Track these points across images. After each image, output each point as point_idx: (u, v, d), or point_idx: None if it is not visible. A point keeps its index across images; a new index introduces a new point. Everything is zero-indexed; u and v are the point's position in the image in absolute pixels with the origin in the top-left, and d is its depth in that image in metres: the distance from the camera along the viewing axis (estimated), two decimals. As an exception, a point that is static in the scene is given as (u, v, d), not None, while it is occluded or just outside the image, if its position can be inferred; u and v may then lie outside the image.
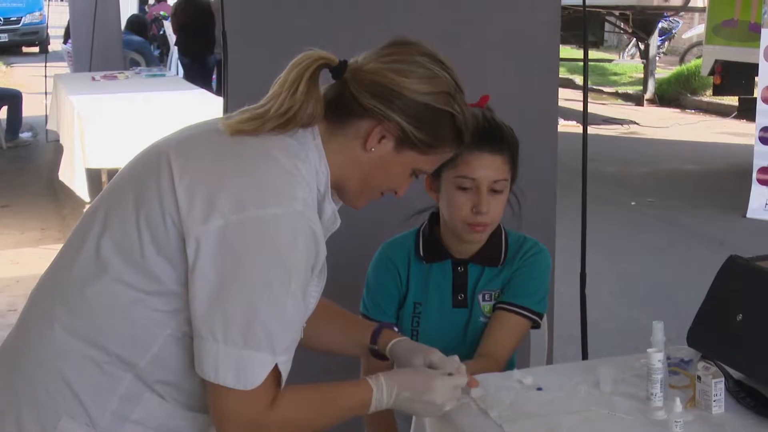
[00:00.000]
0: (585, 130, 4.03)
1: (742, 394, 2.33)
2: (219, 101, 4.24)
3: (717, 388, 2.28)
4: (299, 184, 2.01)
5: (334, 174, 2.13)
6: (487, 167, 2.63)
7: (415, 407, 2.22)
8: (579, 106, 4.20)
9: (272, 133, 2.05)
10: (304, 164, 2.05)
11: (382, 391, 2.16)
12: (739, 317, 2.39)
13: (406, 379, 2.21)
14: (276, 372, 1.98)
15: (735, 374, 2.38)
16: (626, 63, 19.98)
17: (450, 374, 2.26)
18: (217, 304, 1.93)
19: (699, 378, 2.31)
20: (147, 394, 2.04)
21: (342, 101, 2.12)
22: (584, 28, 4.21)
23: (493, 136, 2.64)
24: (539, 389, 2.43)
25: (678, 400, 2.20)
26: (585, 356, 3.98)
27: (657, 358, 2.30)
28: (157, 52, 16.53)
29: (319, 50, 2.11)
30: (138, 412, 2.05)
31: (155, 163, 2.05)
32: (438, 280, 2.81)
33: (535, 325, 2.80)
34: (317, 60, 2.09)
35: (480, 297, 2.79)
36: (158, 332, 2.01)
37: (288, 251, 1.96)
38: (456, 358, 2.33)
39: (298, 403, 2.07)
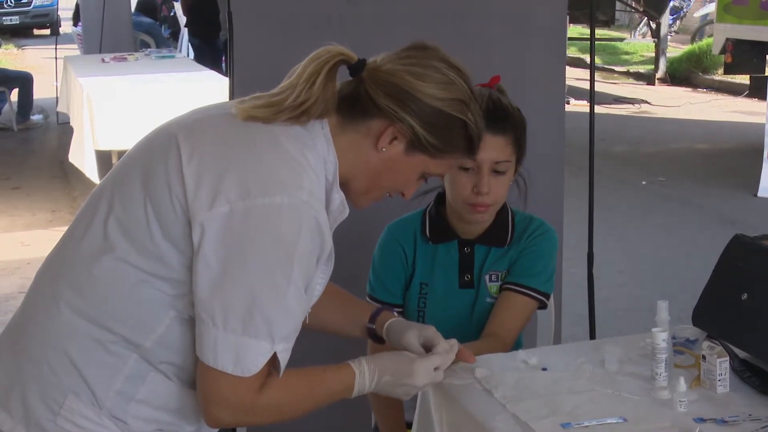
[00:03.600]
0: (592, 109, 4.03)
1: (747, 373, 2.33)
2: (228, 82, 4.24)
3: (722, 367, 2.28)
4: (306, 174, 2.01)
5: (342, 170, 2.12)
6: (489, 148, 2.62)
7: (397, 391, 2.23)
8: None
9: (284, 123, 2.06)
10: (312, 153, 2.05)
11: (365, 375, 2.18)
12: (744, 296, 2.39)
13: (388, 364, 2.22)
14: (273, 359, 1.99)
15: (740, 353, 2.38)
16: (637, 42, 19.93)
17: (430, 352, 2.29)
18: (219, 291, 1.94)
19: (704, 357, 2.31)
20: (152, 374, 2.05)
21: (357, 99, 2.12)
22: (591, 7, 4.20)
23: (496, 117, 2.62)
24: (544, 369, 2.43)
25: (682, 379, 2.20)
26: (593, 336, 3.99)
27: (662, 337, 2.30)
28: (167, 33, 16.52)
29: (339, 46, 2.11)
30: (143, 392, 2.05)
31: (164, 145, 2.05)
32: (444, 260, 2.81)
33: (542, 306, 2.80)
34: (337, 56, 2.09)
35: (486, 278, 2.79)
36: (164, 313, 2.02)
37: (291, 241, 1.96)
38: (454, 341, 2.33)
39: (286, 387, 2.07)
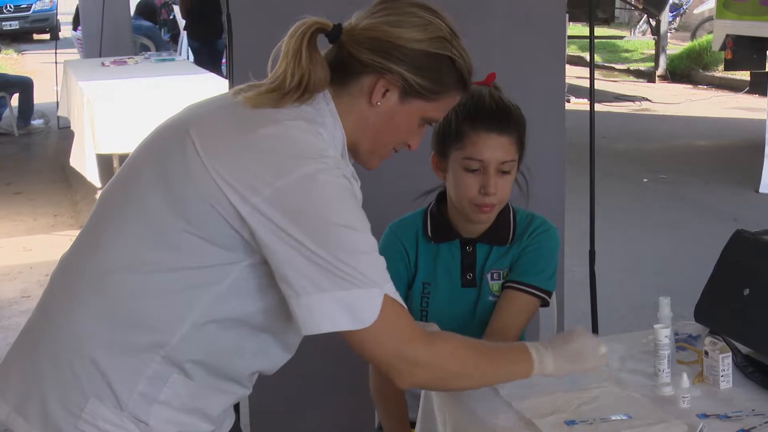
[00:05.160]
0: (592, 107, 4.03)
1: (750, 368, 2.34)
2: (228, 84, 4.24)
3: (724, 363, 2.28)
4: (325, 147, 2.03)
5: (347, 136, 2.15)
6: (495, 148, 2.63)
7: (581, 349, 2.27)
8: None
9: (292, 105, 2.07)
10: (324, 130, 2.07)
11: (540, 350, 2.22)
12: (746, 292, 2.40)
13: (553, 339, 2.28)
14: (394, 304, 2.01)
15: (743, 349, 2.39)
16: (637, 39, 19.94)
17: None
18: (300, 262, 1.94)
19: (706, 353, 2.31)
20: (174, 375, 2.04)
21: (342, 62, 2.13)
22: (590, 5, 4.21)
23: (501, 117, 2.63)
24: (547, 367, 2.43)
25: (685, 375, 2.21)
26: (595, 333, 3.99)
27: (664, 333, 2.30)
28: (167, 37, 16.54)
29: (312, 17, 2.12)
30: (165, 393, 2.04)
31: (178, 141, 2.05)
32: (446, 259, 2.81)
33: (545, 304, 2.79)
34: (312, 25, 2.10)
35: (489, 276, 2.79)
36: (187, 312, 2.01)
37: (339, 196, 1.98)
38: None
39: (457, 343, 2.12)
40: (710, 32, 15.58)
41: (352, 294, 1.95)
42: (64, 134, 10.66)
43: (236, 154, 1.99)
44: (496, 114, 2.63)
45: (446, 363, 2.11)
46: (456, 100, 2.23)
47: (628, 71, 17.83)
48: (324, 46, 2.14)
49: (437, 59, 2.13)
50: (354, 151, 2.20)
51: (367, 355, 2.05)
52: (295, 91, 2.07)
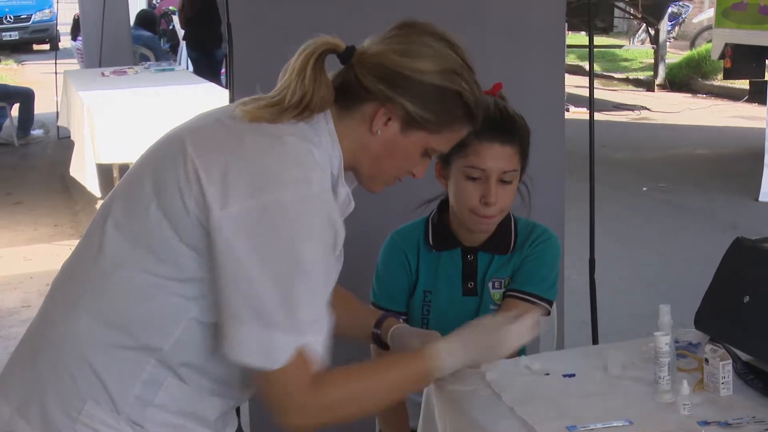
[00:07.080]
0: (591, 116, 4.04)
1: (750, 375, 2.34)
2: (227, 94, 4.25)
3: (725, 370, 2.28)
4: (313, 170, 2.01)
5: (347, 159, 2.13)
6: (497, 158, 2.63)
7: (489, 359, 2.29)
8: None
9: (290, 121, 2.07)
10: (318, 148, 2.06)
11: (444, 354, 2.20)
12: (746, 299, 2.40)
13: (472, 338, 2.25)
14: (309, 353, 1.99)
15: (743, 356, 2.39)
16: (636, 48, 19.97)
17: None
18: (238, 287, 1.94)
19: (707, 360, 2.31)
20: (169, 379, 2.06)
21: (348, 85, 2.12)
22: (589, 14, 4.23)
23: (504, 127, 2.64)
24: (547, 374, 2.44)
25: (686, 382, 2.21)
26: (595, 342, 4.00)
27: (664, 341, 2.30)
28: (167, 47, 16.56)
29: (325, 36, 2.11)
30: (160, 397, 2.06)
31: (173, 152, 2.06)
32: (447, 268, 2.82)
33: (545, 312, 2.80)
34: (322, 45, 2.09)
35: (490, 285, 2.79)
36: (181, 317, 2.02)
37: (305, 233, 1.96)
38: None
39: (344, 380, 2.09)
40: (709, 41, 15.58)
41: (266, 335, 1.95)
42: (64, 144, 10.64)
43: (223, 163, 1.99)
44: (500, 124, 2.63)
45: (325, 413, 2.07)
46: (463, 133, 2.21)
47: (627, 80, 17.85)
48: (337, 66, 2.14)
49: (444, 92, 2.11)
50: (356, 174, 2.20)
51: (268, 396, 2.03)
52: (294, 108, 2.06)
